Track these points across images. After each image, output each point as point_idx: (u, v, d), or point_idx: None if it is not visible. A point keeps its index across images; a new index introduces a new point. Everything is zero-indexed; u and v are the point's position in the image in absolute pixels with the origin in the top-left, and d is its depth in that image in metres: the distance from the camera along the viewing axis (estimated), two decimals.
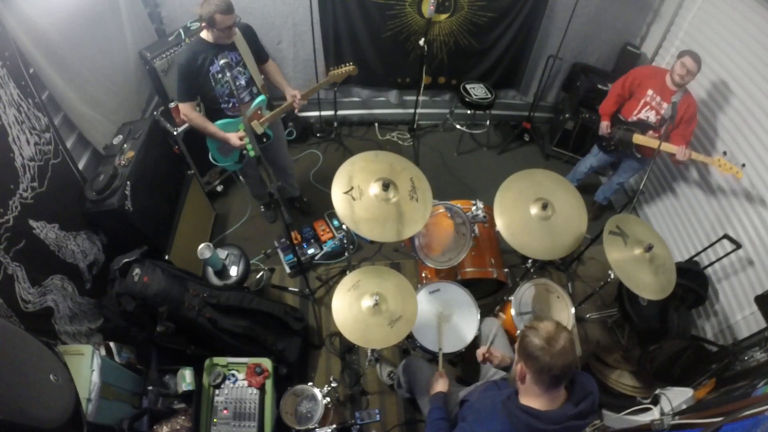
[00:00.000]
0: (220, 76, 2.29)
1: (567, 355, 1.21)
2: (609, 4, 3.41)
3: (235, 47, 2.31)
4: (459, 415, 1.59)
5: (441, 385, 1.78)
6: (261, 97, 2.47)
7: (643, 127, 2.79)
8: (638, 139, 2.79)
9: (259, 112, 2.50)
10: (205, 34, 2.24)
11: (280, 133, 2.83)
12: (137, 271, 2.09)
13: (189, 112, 2.36)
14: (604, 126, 2.94)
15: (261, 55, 2.51)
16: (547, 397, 1.26)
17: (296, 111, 2.58)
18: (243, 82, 2.40)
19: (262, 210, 3.37)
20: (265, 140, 2.62)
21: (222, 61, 2.07)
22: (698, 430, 1.69)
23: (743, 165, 2.46)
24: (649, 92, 2.73)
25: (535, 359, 1.22)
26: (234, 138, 2.42)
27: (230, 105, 2.42)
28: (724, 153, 2.57)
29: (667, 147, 2.58)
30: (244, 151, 2.57)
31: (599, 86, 3.47)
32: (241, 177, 3.04)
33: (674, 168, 3.18)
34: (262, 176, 3.01)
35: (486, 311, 2.39)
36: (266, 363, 2.17)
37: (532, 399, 1.27)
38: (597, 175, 3.52)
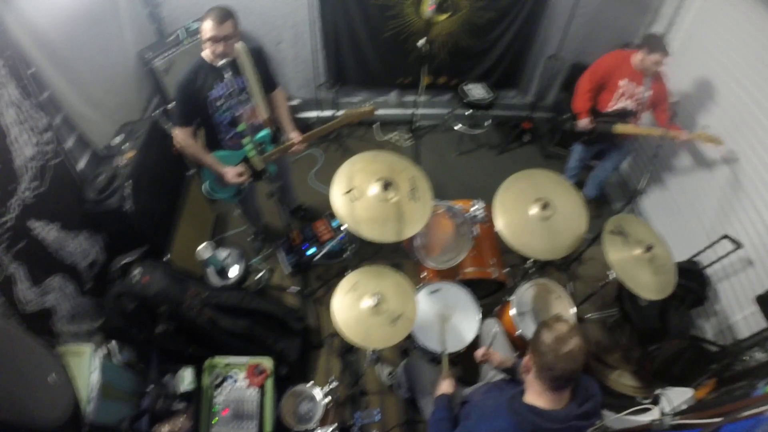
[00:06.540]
0: (219, 103, 2.12)
1: (571, 361, 1.21)
2: (609, 4, 3.41)
3: (240, 72, 2.09)
4: (461, 415, 1.59)
5: (446, 387, 1.76)
6: (264, 132, 2.24)
7: (623, 116, 2.84)
8: (620, 128, 2.84)
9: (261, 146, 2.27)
10: (205, 53, 2.07)
11: (284, 160, 2.69)
12: (137, 271, 2.09)
13: (184, 139, 2.18)
14: (586, 122, 2.93)
15: (269, 83, 2.28)
16: (550, 397, 1.26)
17: (294, 155, 2.34)
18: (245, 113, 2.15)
19: (249, 239, 3.17)
20: (264, 176, 2.37)
21: (227, 75, 1.85)
22: (698, 430, 1.69)
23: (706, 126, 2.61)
24: (622, 82, 2.76)
25: (541, 354, 1.25)
26: (231, 173, 2.24)
27: (230, 136, 2.24)
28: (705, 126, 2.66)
29: (671, 134, 2.66)
30: (242, 187, 2.42)
31: None
32: (238, 207, 2.89)
33: (674, 168, 3.18)
34: (259, 210, 2.97)
35: (486, 311, 2.39)
36: (266, 362, 2.17)
37: (536, 397, 1.28)
38: (590, 171, 3.53)
